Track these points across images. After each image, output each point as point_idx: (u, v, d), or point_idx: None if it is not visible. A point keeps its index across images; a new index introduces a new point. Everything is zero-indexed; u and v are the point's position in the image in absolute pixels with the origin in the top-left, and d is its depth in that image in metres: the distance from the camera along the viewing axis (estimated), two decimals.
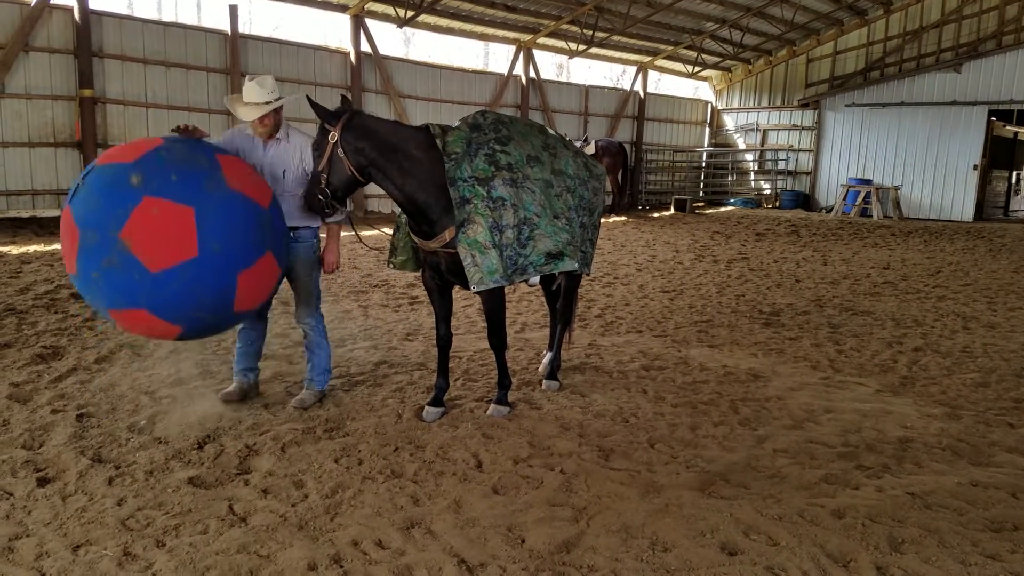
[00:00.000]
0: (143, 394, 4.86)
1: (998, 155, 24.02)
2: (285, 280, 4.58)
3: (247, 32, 16.04)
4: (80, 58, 12.71)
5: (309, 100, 4.49)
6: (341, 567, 2.94)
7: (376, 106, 17.71)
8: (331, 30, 33.67)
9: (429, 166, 4.22)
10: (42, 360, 5.48)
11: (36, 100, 12.45)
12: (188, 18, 33.95)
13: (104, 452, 3.96)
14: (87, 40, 12.74)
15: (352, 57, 17.23)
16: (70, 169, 12.93)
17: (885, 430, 4.54)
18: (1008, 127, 24.78)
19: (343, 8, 16.97)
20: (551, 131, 5.02)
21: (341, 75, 17.24)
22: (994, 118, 22.16)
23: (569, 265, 4.51)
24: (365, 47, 17.37)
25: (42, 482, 3.60)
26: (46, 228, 11.87)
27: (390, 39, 34.91)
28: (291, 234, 4.48)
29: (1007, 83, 20.88)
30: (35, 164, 12.58)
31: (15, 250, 10.00)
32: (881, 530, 3.24)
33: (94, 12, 12.91)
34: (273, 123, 4.51)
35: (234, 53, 15.06)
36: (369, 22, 17.43)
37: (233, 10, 14.96)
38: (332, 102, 16.08)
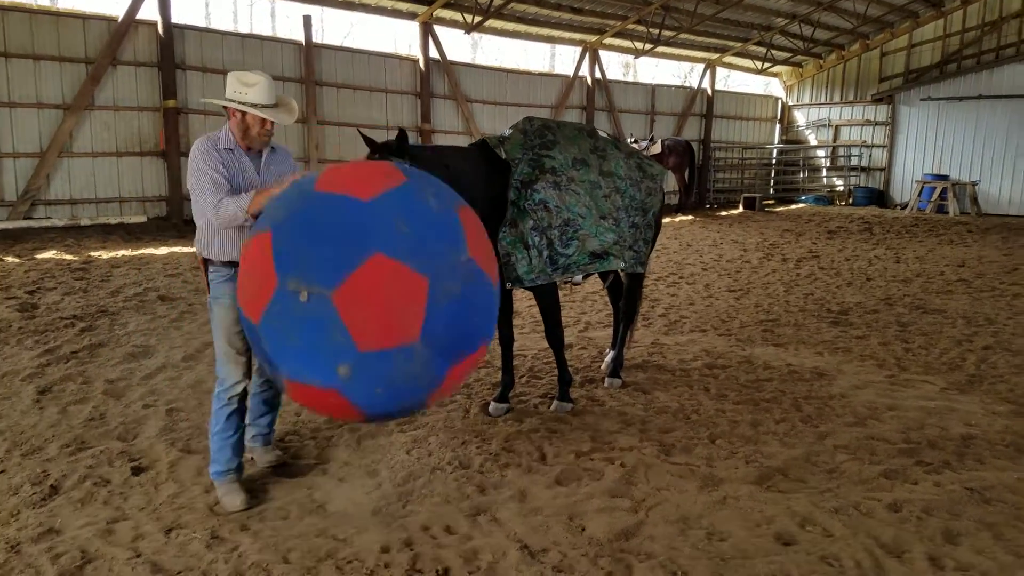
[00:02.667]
0: None
1: None
2: None
3: (320, 41, 16.62)
4: (164, 70, 13.44)
5: (362, 135, 4.00)
6: (412, 550, 3.15)
7: (444, 111, 18.10)
8: (400, 37, 34.40)
9: (484, 179, 4.41)
10: (133, 358, 5.85)
11: (123, 112, 13.20)
12: (263, 27, 35.22)
13: (192, 444, 4.24)
14: (170, 53, 13.47)
15: (421, 64, 17.65)
16: (155, 177, 13.71)
17: (948, 427, 4.54)
18: None
19: (412, 16, 17.41)
20: (603, 134, 5.16)
21: (411, 81, 17.69)
22: None
23: (615, 264, 4.67)
24: (433, 53, 17.77)
25: (136, 471, 3.88)
26: (133, 234, 12.57)
27: (458, 44, 35.51)
28: None
29: None
30: (122, 172, 13.35)
31: (105, 255, 10.66)
32: (936, 523, 3.30)
33: (176, 26, 13.63)
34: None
35: (308, 62, 15.65)
36: (437, 28, 17.83)
37: (307, 20, 15.54)
38: (402, 108, 16.54)
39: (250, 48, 15.07)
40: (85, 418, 4.59)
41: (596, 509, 3.48)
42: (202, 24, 23.71)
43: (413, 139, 17.88)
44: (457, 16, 17.73)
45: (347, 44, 19.52)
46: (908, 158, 23.61)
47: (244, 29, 30.59)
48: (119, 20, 12.97)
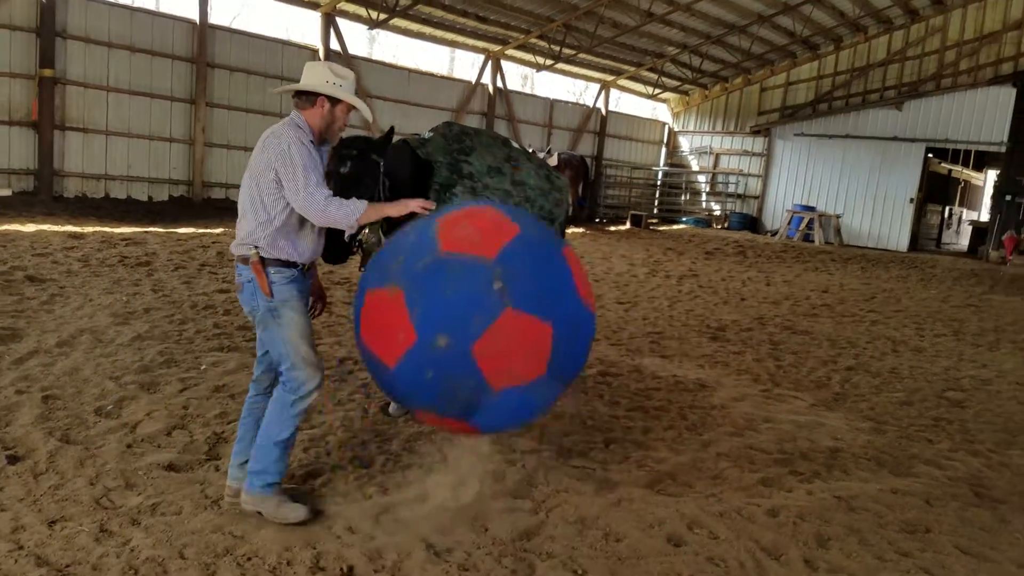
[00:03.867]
0: (108, 379, 4.91)
1: (933, 190, 25.29)
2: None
3: (214, 22, 15.94)
4: (43, 37, 12.54)
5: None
6: (314, 548, 3.11)
7: None
8: (294, 24, 33.37)
9: (411, 179, 4.37)
10: (1, 341, 5.48)
11: None
12: (149, 3, 33.29)
13: (72, 434, 4.03)
14: (51, 19, 12.59)
15: (321, 54, 17.26)
16: (23, 149, 12.74)
17: (817, 440, 4.92)
18: (943, 164, 26.11)
19: (314, 5, 17.01)
20: (515, 144, 5.26)
21: None
22: (931, 155, 23.31)
23: None
24: (334, 45, 17.42)
25: (12, 460, 3.65)
26: None
27: (355, 38, 34.82)
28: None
29: (943, 123, 22.04)
30: None
31: None
32: (810, 528, 3.59)
33: None
34: None
35: (201, 42, 15.00)
36: (340, 21, 17.49)
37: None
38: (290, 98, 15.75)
39: (139, 22, 14.30)
40: None
41: (499, 510, 3.55)
42: None
43: None
44: (361, 11, 17.48)
45: (238, 26, 18.81)
46: (780, 188, 25.31)
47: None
48: None
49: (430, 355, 2.96)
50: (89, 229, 11.18)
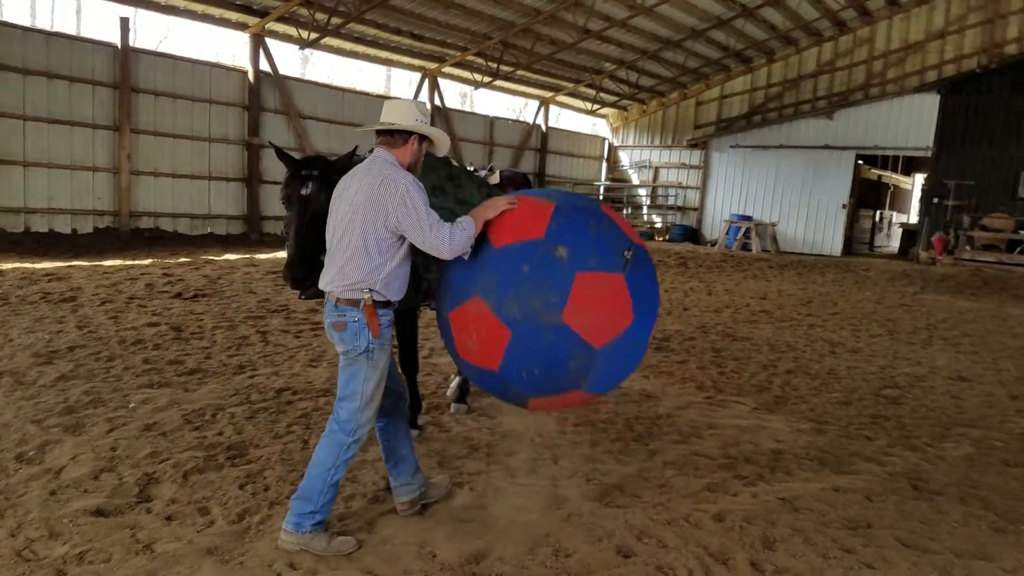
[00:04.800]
0: (30, 423, 4.65)
1: (864, 196, 26.19)
2: None
3: (136, 46, 15.55)
4: None
5: (278, 152, 3.90)
6: None
7: (275, 127, 17.55)
8: (224, 46, 32.88)
9: None
10: None
11: None
12: (68, 26, 32.39)
13: None
14: None
15: (251, 76, 17.01)
16: None
17: (760, 443, 4.98)
18: (873, 170, 27.10)
19: (242, 27, 16.77)
20: (455, 163, 5.25)
21: (239, 94, 17.00)
22: (861, 162, 24.15)
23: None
24: (264, 66, 17.19)
25: None
26: None
27: (287, 58, 34.48)
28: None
29: (872, 130, 22.86)
30: None
31: None
32: (756, 531, 3.60)
33: None
34: None
35: (124, 67, 14.61)
36: (269, 41, 17.27)
37: (124, 23, 14.56)
38: (227, 120, 15.93)
39: (57, 48, 13.89)
40: None
41: (446, 535, 3.47)
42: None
43: (239, 153, 17.15)
44: (291, 31, 17.30)
45: (164, 50, 18.45)
46: (718, 199, 25.86)
47: (44, 26, 27.97)
48: None
49: (528, 340, 3.18)
50: (8, 265, 10.73)
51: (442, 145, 3.61)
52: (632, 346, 3.40)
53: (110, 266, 11.58)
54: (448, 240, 3.22)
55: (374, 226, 3.22)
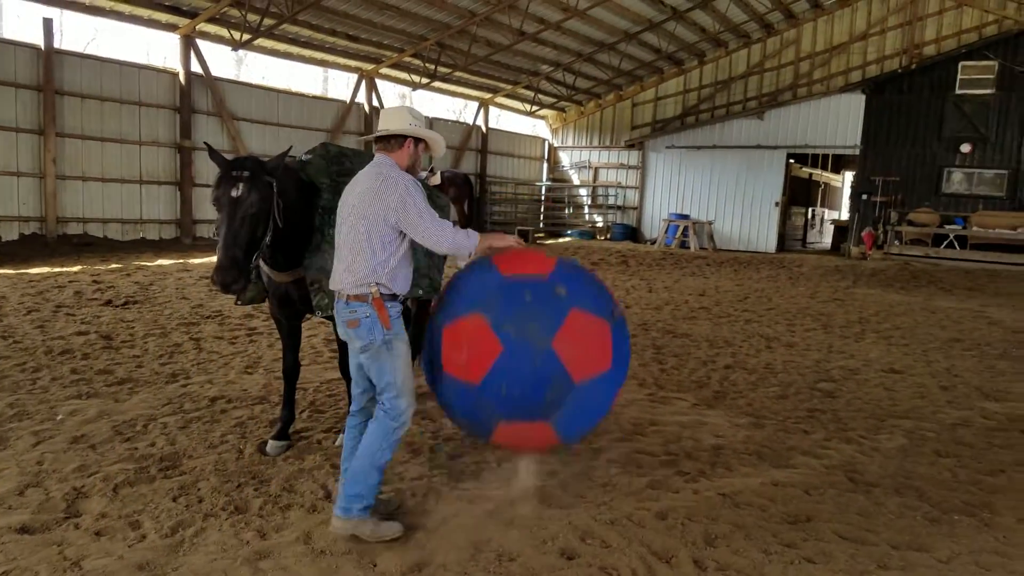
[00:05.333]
0: None
1: (796, 193, 26.94)
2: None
3: (61, 47, 14.95)
4: None
5: (211, 152, 3.90)
6: None
7: (208, 129, 17.09)
8: (155, 48, 31.88)
9: (300, 200, 4.22)
10: None
11: None
12: None
13: None
14: None
15: (182, 78, 16.55)
16: None
17: (701, 439, 5.04)
18: (804, 169, 27.91)
19: (172, 28, 16.30)
20: None
21: (169, 96, 16.51)
22: (792, 160, 24.83)
23: (414, 292, 4.66)
24: (196, 67, 16.75)
25: None
26: None
27: (220, 59, 33.64)
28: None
29: (802, 129, 23.53)
30: None
31: None
32: (698, 528, 3.64)
33: None
34: None
35: (48, 69, 14.05)
36: (200, 43, 16.83)
37: (47, 24, 14.03)
38: (158, 123, 15.48)
39: None
40: None
41: (387, 543, 3.40)
42: None
43: (171, 156, 16.66)
44: (223, 32, 16.88)
45: (91, 51, 17.80)
46: (656, 198, 26.26)
47: None
48: None
49: (517, 358, 3.42)
50: None
51: (438, 147, 3.79)
52: (603, 393, 3.68)
53: (36, 274, 11.10)
54: (450, 237, 3.47)
55: (377, 224, 3.42)
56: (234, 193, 3.66)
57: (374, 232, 3.42)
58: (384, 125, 3.60)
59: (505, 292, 3.56)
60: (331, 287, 3.57)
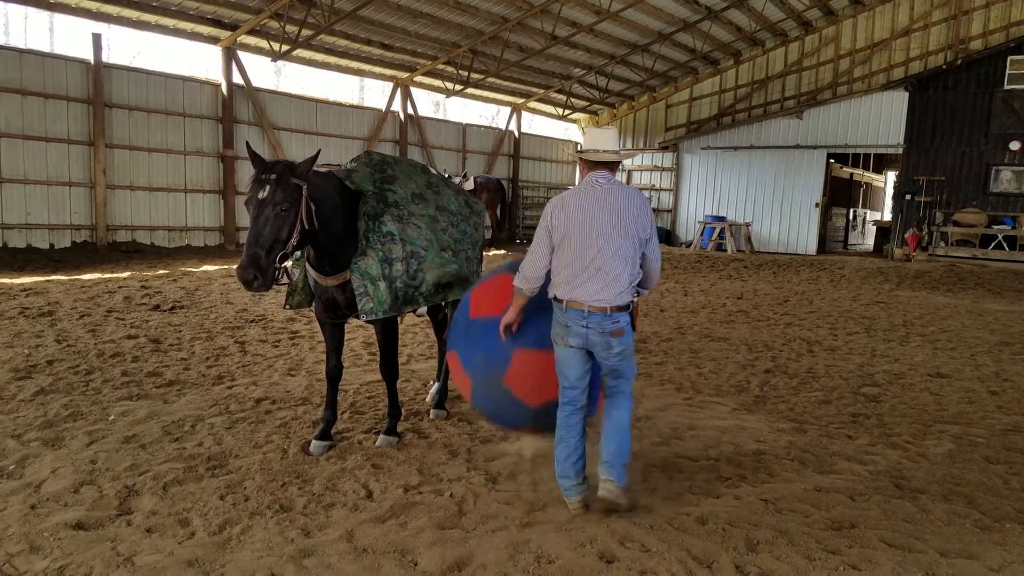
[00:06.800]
0: (9, 438, 4.63)
1: (837, 194, 26.49)
2: None
3: (109, 61, 15.40)
4: None
5: (250, 153, 4.09)
6: None
7: (249, 138, 17.42)
8: (197, 59, 32.68)
9: (344, 208, 4.38)
10: None
11: None
12: (40, 43, 31.95)
13: None
14: None
15: (224, 89, 16.90)
16: None
17: (741, 444, 5.00)
18: (845, 169, 27.42)
19: (214, 40, 16.66)
20: (433, 171, 5.30)
21: (212, 106, 16.89)
22: (832, 160, 24.44)
23: (458, 294, 4.76)
24: (237, 79, 17.11)
25: None
26: None
27: (260, 70, 34.25)
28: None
29: (843, 129, 23.14)
30: None
31: None
32: (739, 533, 3.60)
33: None
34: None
35: (97, 82, 14.49)
36: (241, 54, 17.18)
37: (97, 39, 14.49)
38: (202, 133, 15.82)
39: (30, 64, 13.80)
40: None
41: (427, 543, 3.45)
42: None
43: (215, 165, 17.02)
44: (263, 43, 17.21)
45: (138, 64, 18.28)
46: (691, 201, 26.05)
47: (17, 43, 27.59)
48: None
49: (481, 391, 4.01)
50: None
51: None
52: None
53: (88, 280, 11.44)
54: (660, 255, 3.94)
55: (638, 239, 3.75)
56: (261, 195, 3.83)
57: (636, 247, 3.75)
58: (604, 146, 3.82)
59: (468, 332, 4.07)
60: (590, 302, 3.66)
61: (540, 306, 3.86)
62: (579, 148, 3.89)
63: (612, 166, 3.84)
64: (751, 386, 6.63)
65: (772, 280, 15.69)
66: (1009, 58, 20.42)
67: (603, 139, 3.83)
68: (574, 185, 28.37)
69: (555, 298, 3.76)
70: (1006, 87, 20.48)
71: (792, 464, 4.64)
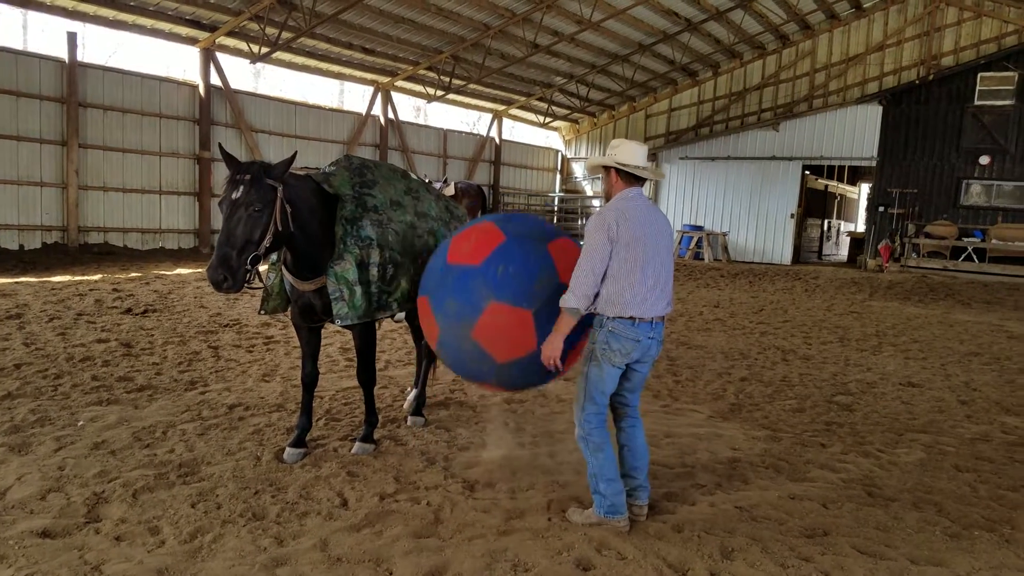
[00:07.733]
0: None
1: (812, 205, 26.84)
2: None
3: (84, 60, 15.21)
4: None
5: (223, 154, 4.02)
6: None
7: (226, 140, 17.29)
8: (175, 60, 32.33)
9: (320, 210, 4.35)
10: None
11: None
12: (13, 42, 31.43)
13: None
14: None
15: (201, 90, 16.76)
16: None
17: (717, 451, 5.02)
18: (820, 180, 27.79)
19: (192, 41, 16.52)
20: (413, 176, 5.27)
21: (189, 108, 16.73)
22: (807, 172, 24.75)
23: None
24: (215, 80, 16.97)
25: None
26: None
27: (239, 72, 33.95)
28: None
29: (818, 141, 23.47)
30: None
31: None
32: (714, 540, 3.61)
33: None
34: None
35: (71, 81, 14.28)
36: (220, 56, 17.05)
37: (72, 37, 14.31)
38: (178, 134, 15.65)
39: (2, 62, 13.69)
40: None
41: (403, 551, 3.42)
42: None
43: (190, 167, 16.85)
44: (242, 45, 17.10)
45: (114, 64, 18.08)
46: (670, 210, 26.23)
47: None
48: None
49: (448, 340, 3.96)
50: None
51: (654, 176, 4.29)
52: (533, 368, 3.83)
53: (58, 282, 11.25)
54: None
55: (670, 254, 3.88)
56: (234, 195, 3.82)
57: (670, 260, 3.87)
58: (642, 162, 3.83)
59: (443, 279, 3.98)
60: (662, 314, 3.74)
61: (524, 259, 3.84)
62: (616, 160, 3.78)
63: (640, 182, 3.90)
64: (727, 394, 6.67)
65: (748, 289, 15.82)
66: (979, 74, 20.85)
67: (641, 154, 3.86)
68: (564, 193, 28.52)
69: (621, 317, 3.62)
70: (976, 103, 20.90)
71: (767, 472, 4.67)
